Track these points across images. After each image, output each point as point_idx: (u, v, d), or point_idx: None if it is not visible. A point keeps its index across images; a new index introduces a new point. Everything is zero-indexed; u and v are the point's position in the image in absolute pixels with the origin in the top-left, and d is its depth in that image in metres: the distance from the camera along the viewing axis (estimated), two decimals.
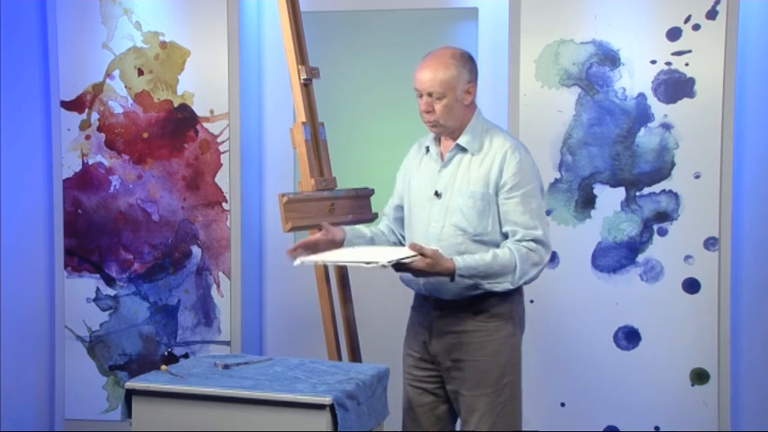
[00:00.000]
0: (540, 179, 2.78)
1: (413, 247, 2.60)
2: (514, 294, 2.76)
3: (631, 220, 3.61)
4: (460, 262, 2.62)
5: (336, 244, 2.88)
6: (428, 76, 2.69)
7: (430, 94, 2.69)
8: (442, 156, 2.80)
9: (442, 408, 2.86)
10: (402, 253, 2.62)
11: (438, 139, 2.83)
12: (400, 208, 2.95)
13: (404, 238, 2.93)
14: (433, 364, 2.83)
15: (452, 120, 2.73)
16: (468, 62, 2.74)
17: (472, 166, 2.73)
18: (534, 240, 2.67)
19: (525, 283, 2.70)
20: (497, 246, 2.71)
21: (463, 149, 2.75)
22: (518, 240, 2.68)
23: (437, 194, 2.76)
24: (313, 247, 2.84)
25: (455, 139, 2.76)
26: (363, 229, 2.97)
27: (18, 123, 3.86)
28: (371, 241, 2.93)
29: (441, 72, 2.68)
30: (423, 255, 2.57)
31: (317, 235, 2.89)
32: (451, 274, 2.61)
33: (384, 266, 2.51)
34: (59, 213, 4.02)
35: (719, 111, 3.51)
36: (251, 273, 4.04)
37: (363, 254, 2.68)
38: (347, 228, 2.95)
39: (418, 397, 2.87)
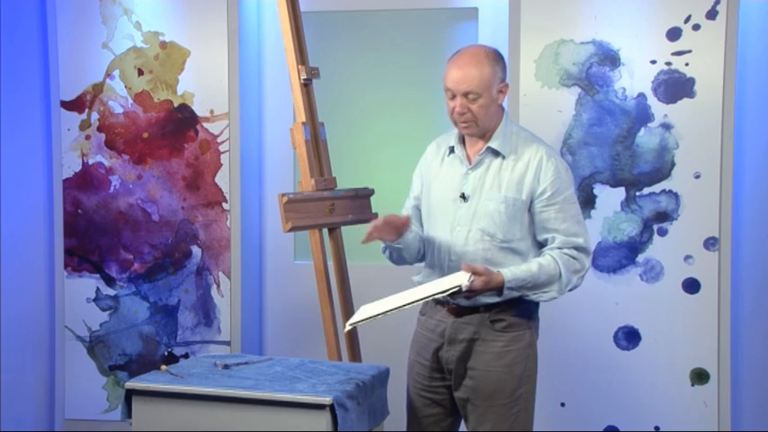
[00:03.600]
0: (573, 184, 2.73)
1: (467, 268, 2.50)
2: (533, 303, 2.70)
3: (631, 220, 3.61)
4: (509, 275, 2.55)
5: (401, 225, 2.68)
6: (464, 76, 2.58)
7: (466, 95, 2.59)
8: (468, 158, 2.71)
9: (449, 420, 2.81)
10: (463, 277, 2.49)
11: (462, 141, 2.73)
12: (418, 209, 2.84)
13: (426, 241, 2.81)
14: (443, 372, 2.76)
15: (488, 120, 2.63)
16: (500, 60, 2.65)
17: (504, 170, 2.64)
18: (576, 248, 2.61)
19: (571, 289, 2.64)
20: (523, 254, 2.65)
21: (495, 153, 2.66)
22: (559, 248, 2.61)
23: (464, 197, 2.67)
24: (383, 228, 2.64)
25: (485, 141, 2.67)
26: (413, 224, 2.80)
27: (18, 123, 3.86)
28: (415, 239, 2.76)
29: (477, 71, 2.58)
30: (476, 273, 2.49)
31: (382, 219, 2.65)
32: (501, 287, 2.55)
33: (462, 290, 2.43)
34: (59, 213, 4.02)
35: (719, 111, 3.51)
36: (251, 273, 4.04)
37: (423, 290, 2.56)
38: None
39: (425, 408, 2.80)
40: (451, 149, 2.74)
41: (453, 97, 2.62)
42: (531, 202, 2.63)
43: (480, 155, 2.67)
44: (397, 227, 2.68)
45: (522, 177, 2.63)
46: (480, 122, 2.63)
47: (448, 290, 2.46)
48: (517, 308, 2.66)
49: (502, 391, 2.67)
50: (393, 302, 2.54)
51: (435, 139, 2.86)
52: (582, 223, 2.67)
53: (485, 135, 2.67)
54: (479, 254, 2.64)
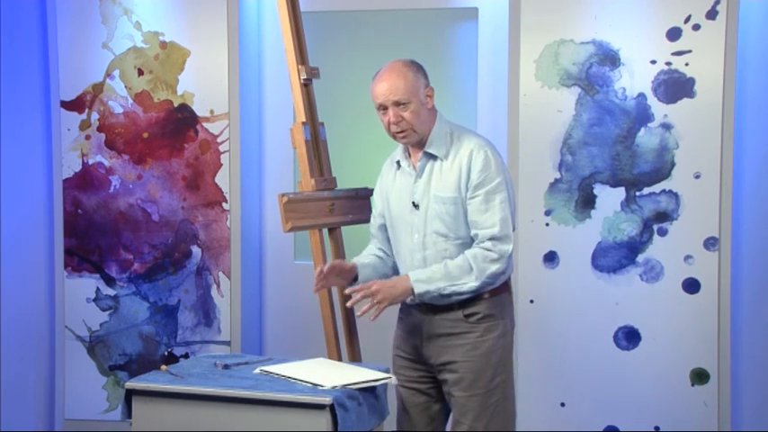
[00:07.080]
0: (508, 173, 2.80)
1: (359, 290, 2.69)
2: (503, 293, 2.80)
3: (631, 220, 3.61)
4: (413, 275, 2.70)
5: (347, 270, 2.86)
6: (390, 87, 2.74)
7: (396, 104, 2.72)
8: (414, 167, 2.82)
9: (436, 407, 2.89)
10: (368, 374, 2.66)
11: (407, 153, 2.84)
12: (384, 227, 2.96)
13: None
14: (425, 364, 2.85)
15: (422, 125, 2.76)
16: (420, 68, 2.81)
17: (443, 171, 2.76)
18: (491, 239, 2.69)
19: (494, 275, 2.70)
20: None
21: (432, 156, 2.78)
22: (477, 243, 2.72)
23: (415, 206, 2.79)
24: (325, 278, 2.85)
25: (422, 147, 2.79)
26: (363, 259, 2.95)
27: (18, 123, 3.86)
28: (375, 270, 2.92)
29: (400, 80, 2.74)
30: (371, 294, 2.66)
31: (328, 266, 2.85)
32: (410, 288, 2.69)
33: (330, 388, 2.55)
34: (59, 213, 4.02)
35: (719, 111, 3.51)
36: (251, 273, 4.04)
37: (317, 371, 2.69)
38: (355, 259, 2.95)
39: (411, 397, 2.89)
40: (398, 164, 2.87)
41: (386, 111, 2.76)
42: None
43: (420, 161, 2.80)
44: (346, 270, 2.85)
45: (459, 174, 2.74)
46: (416, 128, 2.75)
47: (368, 381, 2.62)
48: (490, 300, 2.76)
49: (480, 380, 2.75)
50: (306, 374, 2.66)
51: (389, 156, 2.97)
52: (503, 211, 2.70)
53: (422, 141, 2.79)
54: (440, 254, 2.75)
